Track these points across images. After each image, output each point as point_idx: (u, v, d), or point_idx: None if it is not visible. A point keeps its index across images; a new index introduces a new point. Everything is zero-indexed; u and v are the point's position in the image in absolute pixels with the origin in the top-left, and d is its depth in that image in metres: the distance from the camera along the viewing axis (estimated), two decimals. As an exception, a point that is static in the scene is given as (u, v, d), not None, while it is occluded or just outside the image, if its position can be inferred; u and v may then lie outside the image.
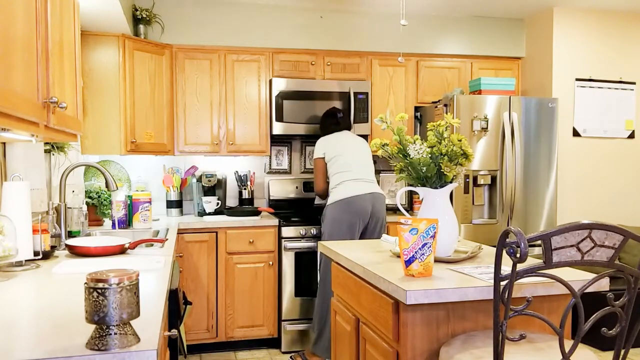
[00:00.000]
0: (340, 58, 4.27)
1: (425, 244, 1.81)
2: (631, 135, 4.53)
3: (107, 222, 3.56)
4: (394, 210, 4.45)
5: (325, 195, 3.67)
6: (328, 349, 3.51)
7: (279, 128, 4.03)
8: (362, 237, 3.56)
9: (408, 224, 1.82)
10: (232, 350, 3.91)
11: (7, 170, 2.34)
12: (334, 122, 3.75)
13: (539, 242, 1.38)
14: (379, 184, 4.55)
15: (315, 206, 4.28)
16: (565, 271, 1.88)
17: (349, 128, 3.81)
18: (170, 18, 3.99)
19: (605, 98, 4.45)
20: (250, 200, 4.27)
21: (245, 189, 4.26)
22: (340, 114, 3.78)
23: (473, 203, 4.00)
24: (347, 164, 3.55)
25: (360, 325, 2.19)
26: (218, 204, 4.07)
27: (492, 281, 1.60)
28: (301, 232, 3.83)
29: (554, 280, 1.42)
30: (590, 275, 1.78)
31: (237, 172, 4.27)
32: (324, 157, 3.63)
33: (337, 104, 4.09)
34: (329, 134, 3.72)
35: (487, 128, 3.96)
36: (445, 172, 2.08)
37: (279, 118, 4.02)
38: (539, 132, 4.08)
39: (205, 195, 4.10)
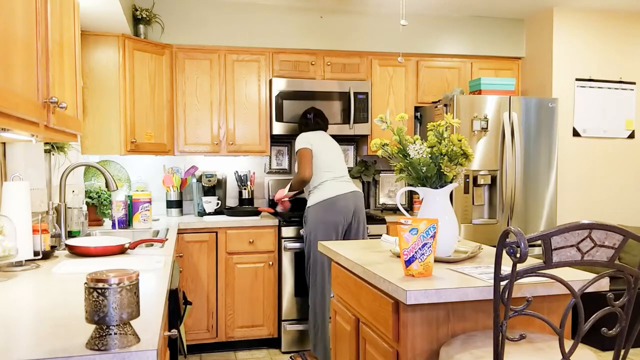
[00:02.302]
0: (340, 58, 4.27)
1: (425, 244, 1.81)
2: (631, 135, 4.53)
3: (107, 222, 3.56)
4: (394, 210, 4.45)
5: (307, 182, 3.57)
6: (325, 352, 3.51)
7: (279, 128, 4.03)
8: (346, 236, 3.56)
9: (408, 224, 1.82)
10: (232, 350, 3.91)
11: (7, 170, 2.34)
12: (303, 122, 3.77)
13: (539, 242, 1.38)
14: (378, 184, 4.57)
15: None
16: (565, 271, 1.88)
17: (322, 129, 3.76)
18: (170, 18, 3.99)
19: (605, 98, 4.45)
20: (250, 200, 4.27)
21: (245, 189, 4.26)
22: (311, 114, 3.75)
23: (473, 203, 4.00)
24: (327, 163, 3.56)
25: (360, 325, 2.19)
26: (218, 204, 4.07)
27: (492, 281, 1.60)
28: (301, 232, 3.82)
29: (554, 280, 1.42)
30: (590, 275, 1.78)
31: (237, 172, 4.27)
32: (311, 149, 3.57)
33: (337, 104, 4.09)
34: (306, 132, 3.71)
35: (487, 128, 3.96)
36: (445, 172, 2.08)
37: (279, 118, 4.02)
38: (539, 132, 4.08)
39: (205, 195, 4.10)
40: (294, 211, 4.00)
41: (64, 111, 1.87)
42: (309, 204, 3.55)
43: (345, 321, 2.36)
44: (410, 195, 4.48)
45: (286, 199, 3.85)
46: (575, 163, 4.40)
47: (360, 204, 3.56)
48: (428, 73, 4.43)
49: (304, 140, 3.59)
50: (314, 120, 3.73)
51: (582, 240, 1.39)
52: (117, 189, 2.98)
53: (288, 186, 3.77)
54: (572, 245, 1.39)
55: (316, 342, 3.54)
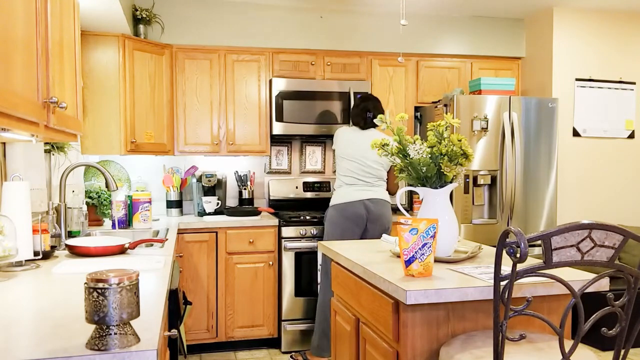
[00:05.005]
0: (340, 58, 4.27)
1: (425, 244, 1.81)
2: (631, 135, 4.53)
3: (107, 222, 3.56)
4: (394, 210, 4.45)
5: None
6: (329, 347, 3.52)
7: (279, 128, 4.03)
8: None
9: (408, 224, 1.82)
10: (232, 350, 3.91)
11: (7, 170, 2.34)
12: (361, 121, 3.58)
13: (539, 242, 1.37)
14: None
15: (316, 205, 4.28)
16: (565, 271, 1.88)
17: (375, 126, 3.60)
18: (170, 18, 3.99)
19: (605, 98, 4.45)
20: (250, 200, 4.27)
21: (245, 189, 4.26)
22: (371, 114, 3.54)
23: (473, 203, 4.00)
24: (350, 167, 3.55)
25: (360, 325, 2.19)
26: (218, 204, 4.07)
27: (492, 281, 1.60)
28: (301, 232, 3.83)
29: (554, 280, 1.42)
30: (590, 275, 1.78)
31: (237, 172, 4.27)
32: (334, 150, 3.69)
33: (337, 104, 4.09)
34: (353, 125, 3.66)
35: (487, 128, 3.96)
36: (445, 172, 2.08)
37: (279, 118, 4.02)
38: (539, 132, 4.08)
39: (205, 195, 4.10)
40: (295, 210, 3.99)
41: (64, 111, 1.87)
42: (330, 203, 3.65)
43: (345, 321, 2.36)
44: (410, 195, 4.48)
45: None
46: (575, 163, 4.40)
47: (378, 211, 3.50)
48: (428, 73, 4.43)
49: (335, 141, 3.68)
50: (369, 119, 3.55)
51: (582, 240, 1.39)
52: (117, 189, 2.98)
53: None
54: (572, 245, 1.39)
55: (323, 338, 3.54)
